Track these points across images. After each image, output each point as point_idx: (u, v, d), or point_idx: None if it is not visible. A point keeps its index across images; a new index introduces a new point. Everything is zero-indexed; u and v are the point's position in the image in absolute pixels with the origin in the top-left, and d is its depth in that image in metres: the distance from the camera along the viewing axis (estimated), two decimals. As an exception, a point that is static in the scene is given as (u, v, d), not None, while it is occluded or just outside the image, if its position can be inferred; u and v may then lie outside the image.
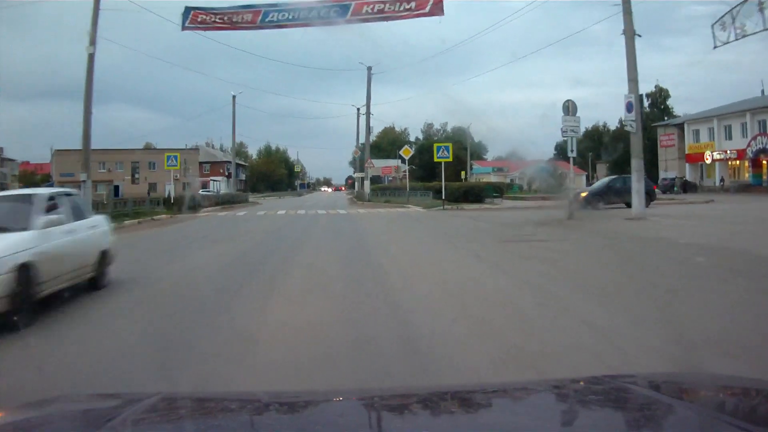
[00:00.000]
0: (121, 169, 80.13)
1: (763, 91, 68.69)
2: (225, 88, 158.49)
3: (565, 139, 23.57)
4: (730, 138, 62.97)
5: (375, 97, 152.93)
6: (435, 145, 37.72)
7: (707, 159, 62.95)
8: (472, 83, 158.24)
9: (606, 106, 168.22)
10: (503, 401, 2.15)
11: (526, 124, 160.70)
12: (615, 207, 28.01)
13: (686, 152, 69.94)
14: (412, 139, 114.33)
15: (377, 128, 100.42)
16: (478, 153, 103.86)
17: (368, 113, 51.51)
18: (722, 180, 59.67)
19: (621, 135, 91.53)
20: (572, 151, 23.72)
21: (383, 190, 54.95)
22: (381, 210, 34.87)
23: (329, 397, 2.35)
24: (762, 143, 56.26)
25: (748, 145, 57.76)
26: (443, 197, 34.20)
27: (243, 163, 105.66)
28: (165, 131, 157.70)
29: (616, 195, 29.24)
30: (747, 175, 61.37)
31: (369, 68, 49.92)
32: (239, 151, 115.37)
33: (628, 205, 24.88)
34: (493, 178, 79.46)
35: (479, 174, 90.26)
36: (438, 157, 35.41)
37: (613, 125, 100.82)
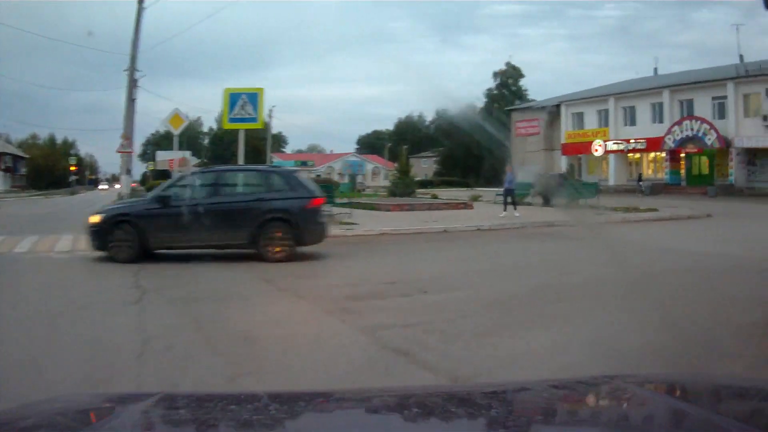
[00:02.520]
0: None
1: (656, 70, 62.27)
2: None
3: None
4: (633, 123, 53.80)
5: (169, 90, 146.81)
6: (226, 93, 17.04)
7: (596, 150, 47.93)
8: (273, 77, 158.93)
9: (404, 103, 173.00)
10: (503, 401, 2.24)
11: (329, 119, 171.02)
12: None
13: (563, 141, 59.85)
14: (205, 129, 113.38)
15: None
16: (278, 145, 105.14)
17: (133, 66, 30.99)
18: (640, 178, 45.04)
19: (447, 128, 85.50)
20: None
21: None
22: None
23: (329, 396, 2.44)
24: (690, 129, 47.37)
25: (669, 132, 49.30)
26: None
27: (22, 155, 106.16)
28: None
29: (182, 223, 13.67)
30: (651, 171, 52.83)
31: (140, 1, 29.72)
32: (27, 143, 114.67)
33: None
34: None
35: (281, 168, 76.57)
36: (231, 120, 15.00)
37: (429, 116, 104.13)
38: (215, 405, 2.16)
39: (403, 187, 38.59)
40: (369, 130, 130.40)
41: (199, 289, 10.58)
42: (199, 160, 35.98)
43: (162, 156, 68.48)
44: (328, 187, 26.93)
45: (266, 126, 73.01)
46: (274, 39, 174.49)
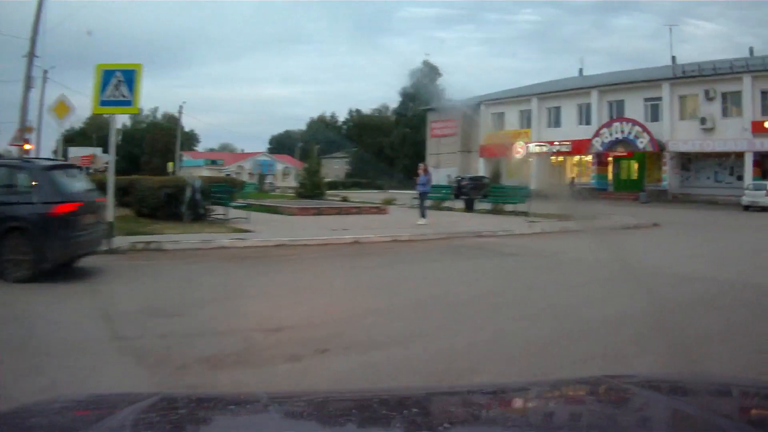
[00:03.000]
0: None
1: (581, 71, 59.83)
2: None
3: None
4: (558, 124, 51.76)
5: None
6: (99, 69, 13.08)
7: (518, 152, 45.57)
8: (189, 76, 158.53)
9: (317, 103, 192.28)
10: (503, 401, 2.28)
11: (243, 118, 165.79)
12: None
13: (481, 143, 57.01)
14: (119, 126, 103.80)
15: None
16: (190, 144, 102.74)
17: (32, 51, 27.61)
18: (573, 182, 48.30)
19: (365, 124, 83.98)
20: None
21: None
22: None
23: (329, 397, 2.47)
24: (620, 132, 46.06)
25: (597, 134, 47.24)
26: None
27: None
28: None
29: None
30: (575, 175, 50.37)
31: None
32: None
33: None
34: (206, 172, 71.42)
35: (190, 167, 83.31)
36: (102, 104, 12.62)
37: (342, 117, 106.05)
38: (215, 405, 2.18)
39: (312, 188, 35.53)
40: (282, 129, 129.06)
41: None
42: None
43: (74, 153, 66.47)
44: (227, 187, 23.25)
45: (176, 124, 71.24)
46: (192, 37, 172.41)
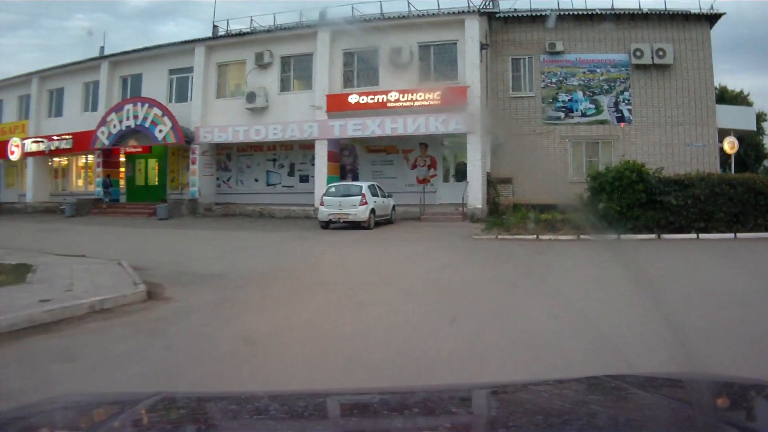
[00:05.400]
0: None
1: (102, 49, 43.33)
2: None
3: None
4: (60, 113, 37.48)
5: None
6: None
7: (13, 152, 37.84)
8: None
9: None
10: (503, 401, 2.29)
11: None
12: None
13: None
14: None
15: None
16: None
17: None
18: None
19: None
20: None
21: None
22: None
23: (329, 396, 2.47)
24: (133, 117, 31.77)
25: (103, 122, 32.91)
26: None
27: None
28: None
29: None
30: (82, 182, 38.25)
31: None
32: None
33: None
34: None
35: None
36: None
37: None
38: (215, 405, 2.17)
39: None
40: None
41: None
42: None
43: None
44: None
45: None
46: None
